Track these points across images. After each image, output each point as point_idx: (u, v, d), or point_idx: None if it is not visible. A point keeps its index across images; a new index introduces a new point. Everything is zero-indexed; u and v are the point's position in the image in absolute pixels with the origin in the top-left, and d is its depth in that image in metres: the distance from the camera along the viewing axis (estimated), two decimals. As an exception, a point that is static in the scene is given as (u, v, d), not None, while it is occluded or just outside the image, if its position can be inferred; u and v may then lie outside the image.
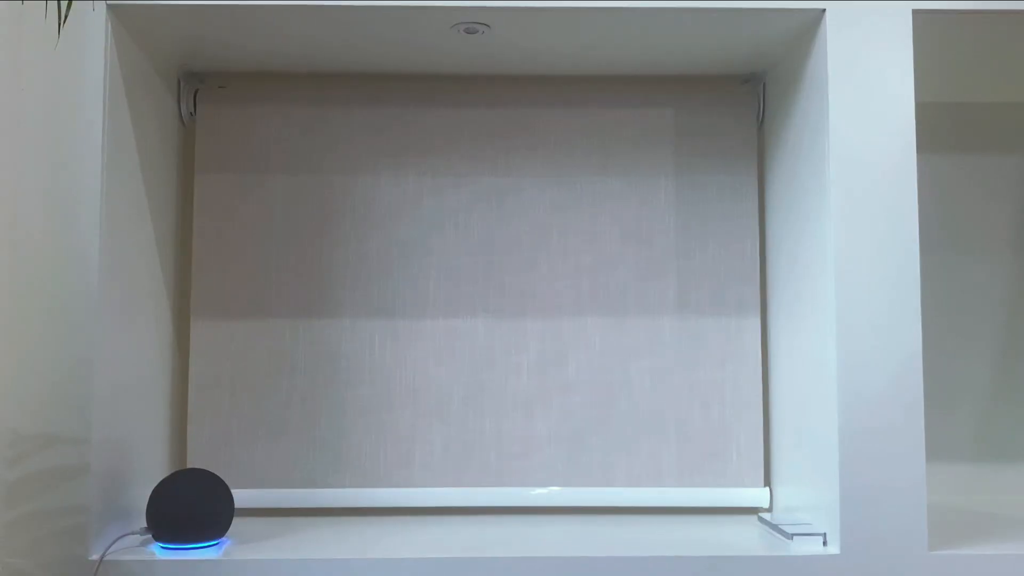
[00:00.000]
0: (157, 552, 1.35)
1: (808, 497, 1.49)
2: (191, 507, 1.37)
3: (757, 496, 1.68)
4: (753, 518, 1.63)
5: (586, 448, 1.69)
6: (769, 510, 1.68)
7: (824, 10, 1.42)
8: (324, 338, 1.70)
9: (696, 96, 1.77)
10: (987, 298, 1.90)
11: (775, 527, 1.47)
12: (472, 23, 1.47)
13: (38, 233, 1.35)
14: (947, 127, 1.92)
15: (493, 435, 1.68)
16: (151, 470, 1.57)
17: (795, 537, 1.40)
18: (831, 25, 1.41)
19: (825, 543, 1.40)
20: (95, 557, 1.32)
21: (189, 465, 1.67)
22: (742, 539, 1.45)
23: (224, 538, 1.44)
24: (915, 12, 1.41)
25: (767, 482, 1.70)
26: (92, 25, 1.37)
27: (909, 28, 1.41)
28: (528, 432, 1.69)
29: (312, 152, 1.74)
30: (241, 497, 1.62)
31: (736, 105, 1.77)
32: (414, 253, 1.72)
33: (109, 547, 1.34)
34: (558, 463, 1.68)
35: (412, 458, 1.68)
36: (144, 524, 1.48)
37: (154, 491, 1.39)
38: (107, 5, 1.37)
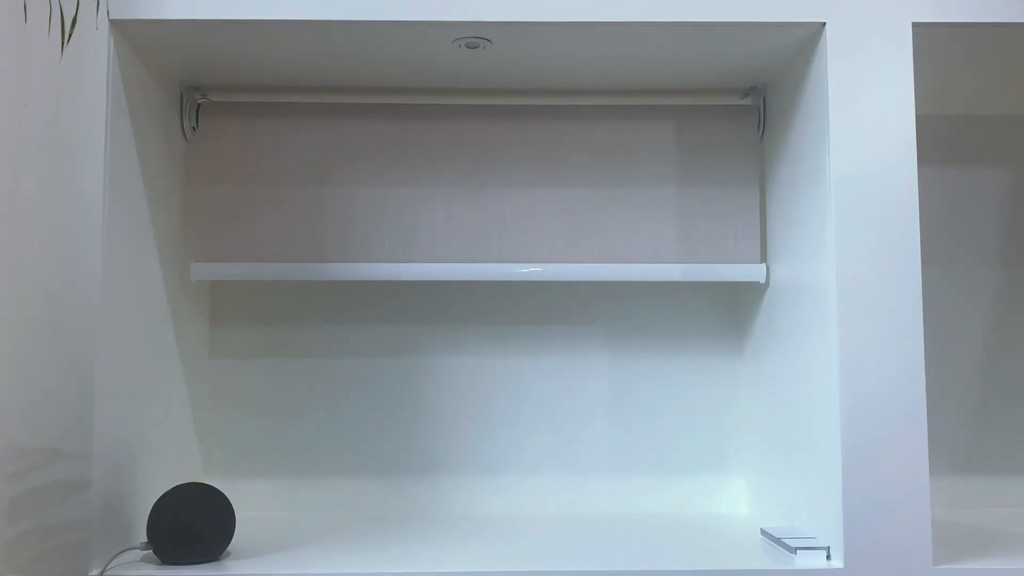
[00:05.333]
0: (157, 568, 1.35)
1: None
2: (192, 521, 1.37)
3: (754, 271, 1.71)
4: (756, 531, 1.62)
5: (586, 229, 1.73)
6: (766, 285, 1.71)
7: (824, 24, 1.42)
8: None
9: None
10: (980, 308, 1.90)
11: (778, 540, 1.47)
12: (473, 38, 1.47)
13: (40, 249, 1.35)
14: (942, 139, 1.92)
15: (495, 214, 1.73)
16: (153, 483, 1.56)
17: (798, 551, 1.39)
18: (831, 38, 1.41)
19: (829, 557, 1.39)
20: (95, 573, 1.32)
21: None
22: (745, 552, 1.44)
23: (226, 552, 1.44)
24: (915, 25, 1.42)
25: (764, 259, 1.73)
26: (95, 41, 1.37)
27: (909, 41, 1.41)
28: (529, 212, 1.73)
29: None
30: (250, 271, 1.67)
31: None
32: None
33: (109, 563, 1.34)
34: (559, 241, 1.73)
35: (416, 235, 1.71)
36: (145, 539, 1.48)
37: (155, 505, 1.39)
38: (110, 21, 1.38)
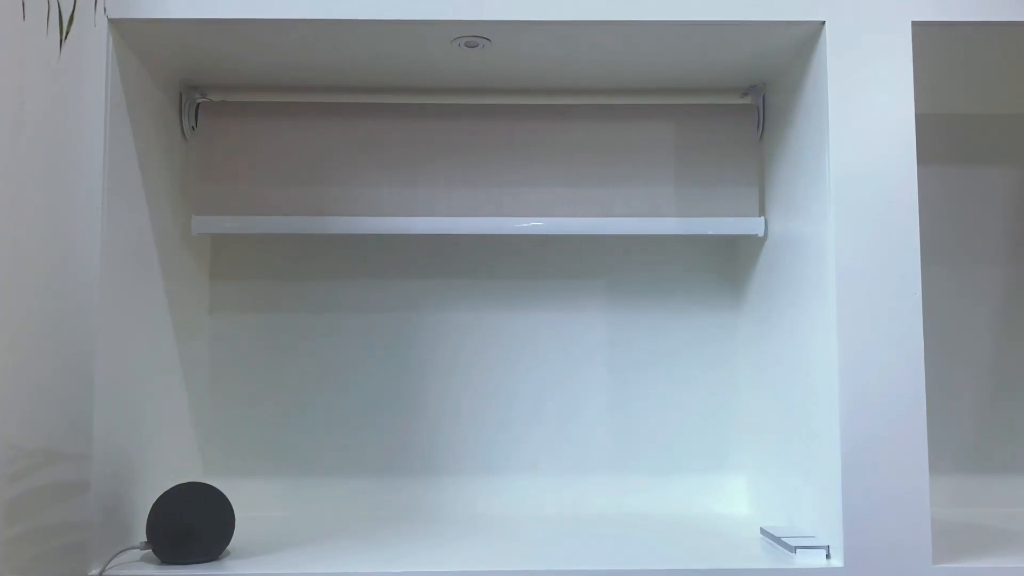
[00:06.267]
0: (156, 568, 1.35)
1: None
2: (191, 521, 1.37)
3: (753, 224, 1.72)
4: (756, 530, 1.62)
5: (585, 183, 1.74)
6: (764, 238, 1.72)
7: (824, 23, 1.42)
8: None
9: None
10: (982, 308, 1.90)
11: (778, 539, 1.47)
12: (473, 37, 1.47)
13: (39, 249, 1.35)
14: (943, 139, 1.92)
15: (495, 169, 1.74)
16: (153, 483, 1.56)
17: (798, 550, 1.39)
18: (830, 37, 1.41)
19: (828, 556, 1.39)
20: (94, 572, 1.32)
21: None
22: (745, 552, 1.44)
23: (225, 552, 1.43)
24: (914, 24, 1.42)
25: (762, 212, 1.74)
26: (93, 40, 1.37)
27: (908, 40, 1.41)
28: (528, 168, 1.75)
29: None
30: (251, 223, 1.67)
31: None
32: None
33: (108, 562, 1.34)
34: (557, 195, 1.74)
35: (417, 189, 1.73)
36: (144, 538, 1.47)
37: (154, 505, 1.39)
38: (108, 20, 1.38)
